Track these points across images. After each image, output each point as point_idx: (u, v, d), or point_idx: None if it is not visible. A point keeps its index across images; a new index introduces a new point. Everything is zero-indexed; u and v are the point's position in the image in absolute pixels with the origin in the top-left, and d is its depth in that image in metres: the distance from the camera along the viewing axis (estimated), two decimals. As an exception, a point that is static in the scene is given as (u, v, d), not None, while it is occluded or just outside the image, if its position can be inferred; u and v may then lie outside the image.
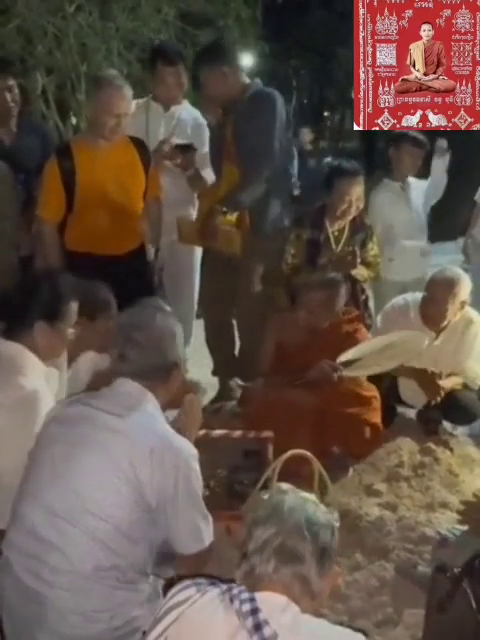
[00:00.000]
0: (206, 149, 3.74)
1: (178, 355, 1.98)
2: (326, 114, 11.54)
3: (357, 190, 3.55)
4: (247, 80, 3.53)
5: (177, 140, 3.62)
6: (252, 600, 1.37)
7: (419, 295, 3.56)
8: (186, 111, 3.83)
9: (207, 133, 3.77)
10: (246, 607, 1.36)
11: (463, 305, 3.47)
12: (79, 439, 1.84)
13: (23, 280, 2.40)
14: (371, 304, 3.93)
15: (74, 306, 2.34)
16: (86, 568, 1.77)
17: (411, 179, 4.19)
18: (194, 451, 1.89)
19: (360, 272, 3.66)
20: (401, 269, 4.08)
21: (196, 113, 3.87)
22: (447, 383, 3.45)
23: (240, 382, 3.70)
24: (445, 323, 3.46)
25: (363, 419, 3.18)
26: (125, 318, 2.03)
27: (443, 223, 5.28)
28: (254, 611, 1.36)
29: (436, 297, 3.40)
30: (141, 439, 1.81)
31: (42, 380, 2.21)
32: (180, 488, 1.82)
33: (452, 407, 3.49)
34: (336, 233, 3.62)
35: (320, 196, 3.77)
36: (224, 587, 1.42)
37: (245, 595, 1.39)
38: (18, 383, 2.13)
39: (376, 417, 3.22)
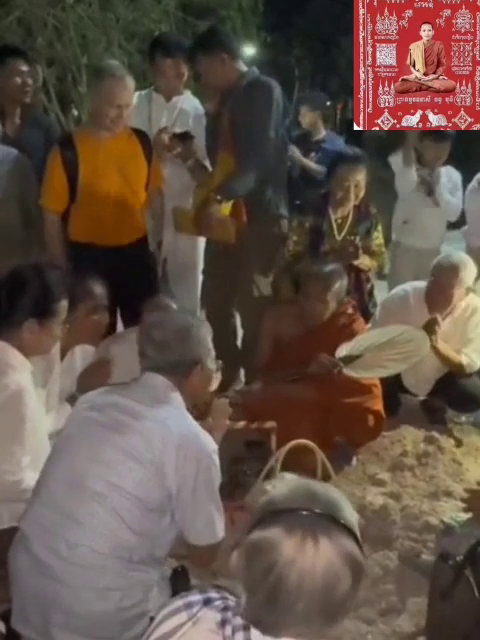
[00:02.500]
0: None
1: (197, 353, 2.01)
2: (328, 104, 11.52)
3: (357, 177, 3.53)
4: (244, 68, 3.52)
5: (175, 129, 3.62)
6: None
7: (418, 284, 3.56)
8: (188, 101, 3.82)
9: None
10: None
11: (468, 291, 3.47)
12: (109, 423, 1.90)
13: (11, 276, 2.32)
14: (376, 293, 3.92)
15: (65, 303, 2.32)
16: (104, 545, 1.80)
17: (443, 170, 4.16)
18: (215, 447, 1.94)
19: (364, 262, 3.64)
20: (416, 235, 4.10)
21: (197, 103, 3.86)
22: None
23: (237, 388, 3.69)
24: (450, 308, 3.45)
25: (365, 407, 3.17)
26: (148, 318, 2.10)
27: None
28: None
29: (442, 282, 3.40)
30: (169, 428, 1.86)
31: (27, 378, 2.21)
32: (200, 480, 1.86)
33: (456, 395, 3.49)
34: (339, 221, 3.60)
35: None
36: (218, 617, 1.18)
37: (240, 637, 1.15)
38: (2, 383, 2.14)
39: (378, 405, 3.22)
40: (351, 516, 1.17)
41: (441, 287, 3.41)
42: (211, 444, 1.93)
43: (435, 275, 3.46)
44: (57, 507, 1.85)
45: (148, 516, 1.83)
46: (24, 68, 3.56)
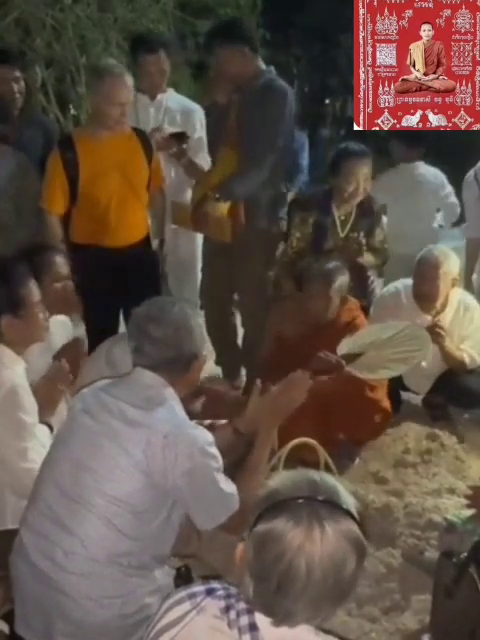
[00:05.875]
0: (197, 135, 3.74)
1: (196, 347, 1.98)
2: (327, 102, 11.50)
3: (364, 171, 3.48)
4: (262, 66, 3.50)
5: (170, 129, 3.64)
6: (253, 628, 1.17)
7: (409, 281, 3.57)
8: (172, 99, 3.82)
9: (197, 119, 3.78)
10: (247, 637, 1.17)
11: (454, 283, 3.48)
12: (98, 428, 1.87)
13: None
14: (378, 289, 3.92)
15: (31, 286, 2.27)
16: (99, 553, 1.79)
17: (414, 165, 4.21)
18: (210, 438, 1.89)
19: (367, 259, 3.63)
20: (408, 243, 4.09)
21: (183, 100, 3.89)
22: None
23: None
24: (438, 303, 3.46)
25: (372, 403, 3.17)
26: (141, 309, 2.02)
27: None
28: None
29: (425, 276, 3.42)
30: (156, 429, 1.82)
31: (20, 374, 2.20)
32: (195, 477, 1.84)
33: (457, 392, 3.50)
34: (342, 217, 3.57)
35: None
36: (222, 604, 1.21)
37: (245, 620, 1.18)
38: None
39: (384, 401, 3.22)
40: (349, 499, 1.22)
41: (425, 281, 3.42)
42: (204, 437, 1.88)
43: (418, 270, 3.48)
44: (52, 515, 1.83)
45: (141, 518, 1.81)
46: (17, 74, 3.52)
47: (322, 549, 1.15)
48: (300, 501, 1.17)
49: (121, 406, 1.88)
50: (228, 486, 1.91)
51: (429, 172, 4.35)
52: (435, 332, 3.37)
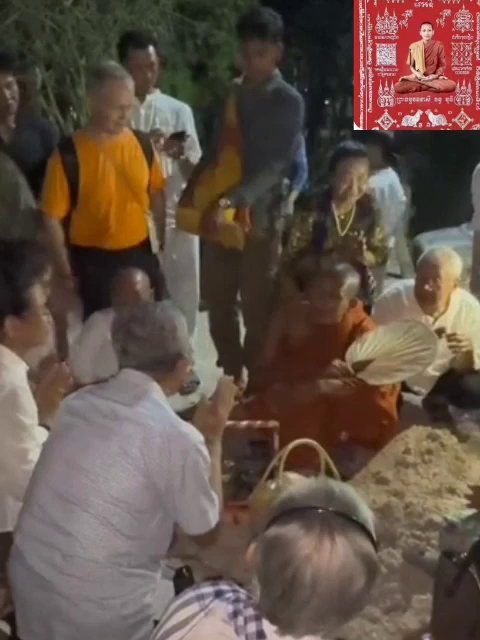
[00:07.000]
0: (188, 133, 3.76)
1: (181, 346, 2.00)
2: (327, 102, 11.49)
3: (359, 170, 3.47)
4: (276, 69, 3.50)
5: (157, 127, 3.66)
6: (260, 636, 1.16)
7: (410, 282, 3.58)
8: (160, 100, 3.83)
9: (187, 117, 3.82)
10: None
11: (456, 283, 3.49)
12: (90, 428, 1.88)
13: None
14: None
15: (37, 287, 2.26)
16: (98, 554, 1.80)
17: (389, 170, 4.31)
18: (201, 437, 1.91)
19: (367, 258, 3.62)
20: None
21: (171, 100, 3.91)
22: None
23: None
24: (439, 303, 3.46)
25: (375, 408, 3.17)
26: (125, 312, 2.05)
27: (448, 209, 5.27)
28: None
29: (427, 276, 3.42)
30: (150, 427, 1.84)
31: (21, 376, 2.19)
32: (188, 474, 1.85)
33: (459, 392, 3.50)
34: (342, 216, 3.56)
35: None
36: (230, 608, 1.20)
37: (252, 628, 1.17)
38: None
39: (389, 409, 3.22)
40: (367, 515, 1.19)
41: (426, 281, 3.43)
42: (196, 435, 1.90)
43: (420, 270, 3.49)
44: (48, 518, 1.84)
45: (139, 518, 1.82)
46: (9, 79, 3.48)
47: (330, 562, 1.12)
48: (320, 511, 1.15)
49: (112, 406, 1.89)
50: (213, 493, 1.95)
51: (396, 176, 4.42)
52: (452, 345, 3.38)
